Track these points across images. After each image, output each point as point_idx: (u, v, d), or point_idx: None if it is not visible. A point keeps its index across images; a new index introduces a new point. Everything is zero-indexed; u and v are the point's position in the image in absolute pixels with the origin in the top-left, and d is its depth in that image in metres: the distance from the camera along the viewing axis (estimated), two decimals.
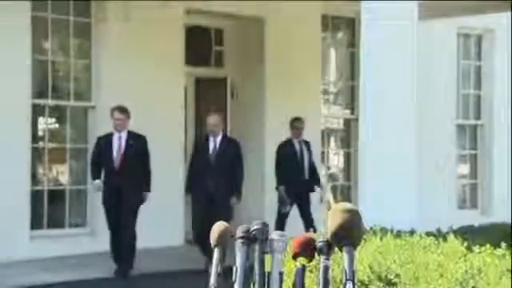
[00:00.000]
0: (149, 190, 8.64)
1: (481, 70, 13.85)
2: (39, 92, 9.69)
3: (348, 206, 2.92)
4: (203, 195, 8.79)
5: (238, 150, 9.07)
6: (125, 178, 8.46)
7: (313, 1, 11.33)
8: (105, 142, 8.63)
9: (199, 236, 8.59)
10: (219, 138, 8.99)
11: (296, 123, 10.11)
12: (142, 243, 8.74)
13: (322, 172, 11.70)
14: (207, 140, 9.03)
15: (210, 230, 3.62)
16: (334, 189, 12.46)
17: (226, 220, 7.48)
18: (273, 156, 10.22)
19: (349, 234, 2.82)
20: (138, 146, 8.59)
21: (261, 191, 11.07)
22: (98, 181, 8.68)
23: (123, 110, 8.62)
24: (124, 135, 8.59)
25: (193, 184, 9.04)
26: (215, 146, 8.93)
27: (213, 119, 9.06)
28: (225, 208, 8.58)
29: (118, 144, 8.56)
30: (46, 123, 9.96)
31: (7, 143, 8.97)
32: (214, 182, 8.74)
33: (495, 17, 12.32)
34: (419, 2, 6.70)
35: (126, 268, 8.49)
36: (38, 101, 9.60)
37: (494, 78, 13.72)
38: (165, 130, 10.25)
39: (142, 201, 8.62)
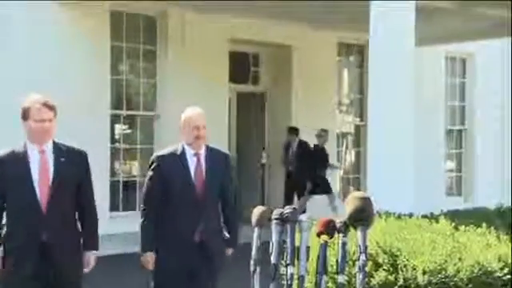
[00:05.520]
0: (96, 248, 3.73)
1: (465, 86, 13.72)
2: (116, 104, 9.79)
3: (362, 194, 2.93)
4: (185, 257, 3.83)
5: (231, 168, 4.23)
6: (55, 228, 3.55)
7: (330, 31, 11.32)
8: (16, 161, 3.57)
9: None
10: (203, 152, 4.07)
11: None
12: None
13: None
14: (182, 154, 4.01)
15: None
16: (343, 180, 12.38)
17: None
18: None
19: (363, 216, 2.83)
20: (74, 166, 3.68)
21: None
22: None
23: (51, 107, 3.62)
24: (49, 148, 3.63)
25: (161, 234, 3.91)
26: (199, 163, 4.02)
27: (200, 118, 4.11)
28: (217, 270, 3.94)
29: (40, 164, 3.59)
30: (121, 129, 10.06)
31: (92, 144, 9.00)
32: (201, 225, 3.87)
33: (475, 44, 12.23)
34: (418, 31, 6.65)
35: None
36: (115, 111, 9.70)
37: (475, 92, 13.60)
38: (214, 134, 10.27)
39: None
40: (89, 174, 3.79)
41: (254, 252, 3.05)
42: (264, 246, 3.13)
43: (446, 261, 4.25)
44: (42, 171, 3.57)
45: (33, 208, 3.52)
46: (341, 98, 12.38)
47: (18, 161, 3.56)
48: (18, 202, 3.53)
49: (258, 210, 3.27)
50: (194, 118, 4.11)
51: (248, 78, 11.63)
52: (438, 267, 4.21)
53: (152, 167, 4.03)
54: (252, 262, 3.03)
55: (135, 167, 10.24)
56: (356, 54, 12.39)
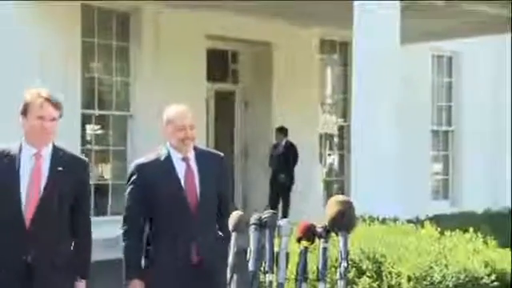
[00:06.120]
0: (86, 276, 3.31)
1: (451, 85, 13.82)
2: (87, 103, 9.70)
3: (343, 197, 2.91)
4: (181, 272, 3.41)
5: (227, 172, 3.84)
6: (43, 248, 3.15)
7: (312, 28, 11.33)
8: (4, 164, 3.18)
9: None
10: (192, 155, 3.60)
11: None
12: None
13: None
14: (168, 160, 3.54)
15: None
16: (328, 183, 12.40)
17: None
18: None
19: (344, 221, 2.81)
20: (72, 179, 3.25)
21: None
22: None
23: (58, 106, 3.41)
24: (47, 152, 3.28)
25: (150, 256, 3.46)
26: (189, 169, 3.54)
27: (187, 117, 3.76)
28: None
29: (33, 171, 3.19)
30: (92, 129, 9.97)
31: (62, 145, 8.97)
32: (197, 241, 3.45)
33: (462, 42, 12.32)
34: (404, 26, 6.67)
35: None
36: (86, 111, 9.61)
37: (462, 92, 13.70)
38: None
39: None
40: (88, 188, 3.31)
41: (230, 258, 3.01)
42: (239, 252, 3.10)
43: (431, 267, 4.26)
44: (33, 180, 3.09)
45: (15, 223, 3.05)
46: (324, 97, 12.40)
47: (8, 164, 3.08)
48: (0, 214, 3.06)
49: (235, 215, 3.24)
50: (178, 117, 3.65)
51: (227, 77, 11.60)
52: (424, 273, 4.23)
53: (132, 179, 3.48)
54: (229, 269, 3.00)
55: (107, 170, 10.15)
56: (340, 51, 12.41)
